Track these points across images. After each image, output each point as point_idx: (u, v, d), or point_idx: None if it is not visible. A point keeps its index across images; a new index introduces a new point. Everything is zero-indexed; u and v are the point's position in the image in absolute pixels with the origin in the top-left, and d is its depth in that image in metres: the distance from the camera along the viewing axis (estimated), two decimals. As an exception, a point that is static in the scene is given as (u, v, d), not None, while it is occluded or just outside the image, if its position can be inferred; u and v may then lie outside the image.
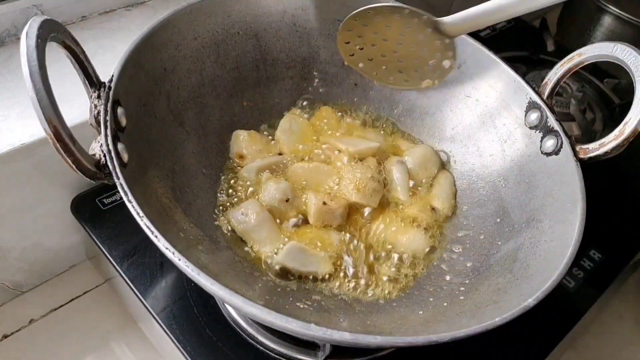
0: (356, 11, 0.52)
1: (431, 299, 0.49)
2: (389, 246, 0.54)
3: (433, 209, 0.57)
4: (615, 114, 0.87)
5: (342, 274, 0.51)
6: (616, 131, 0.47)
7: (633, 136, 0.46)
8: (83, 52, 0.41)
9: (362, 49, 0.55)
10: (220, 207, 0.54)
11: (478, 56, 0.58)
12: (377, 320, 0.47)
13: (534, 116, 0.53)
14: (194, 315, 0.52)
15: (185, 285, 0.54)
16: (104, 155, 0.38)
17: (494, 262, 0.50)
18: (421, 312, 0.47)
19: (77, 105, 0.51)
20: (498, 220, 0.54)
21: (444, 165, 0.61)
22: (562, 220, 0.46)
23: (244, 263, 0.50)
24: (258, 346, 0.51)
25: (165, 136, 0.51)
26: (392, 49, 0.55)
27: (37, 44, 0.34)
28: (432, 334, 0.35)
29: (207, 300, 0.53)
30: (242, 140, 0.58)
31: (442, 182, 0.59)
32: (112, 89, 0.41)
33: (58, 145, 0.35)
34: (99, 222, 0.58)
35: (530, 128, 0.54)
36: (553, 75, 0.54)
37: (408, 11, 0.51)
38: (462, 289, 0.49)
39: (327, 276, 0.50)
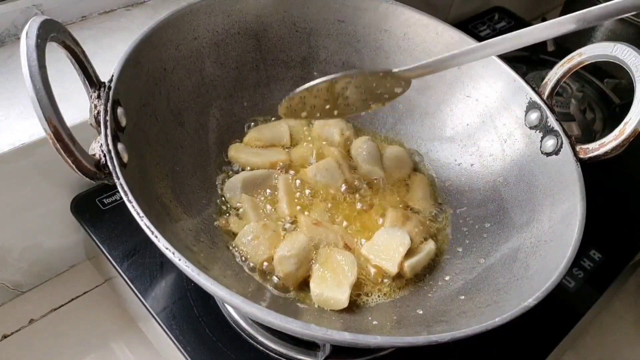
0: (310, 85, 0.49)
1: (431, 299, 0.49)
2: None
3: (410, 209, 0.57)
4: (615, 114, 0.87)
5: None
6: (616, 131, 0.47)
7: (633, 136, 0.46)
8: (83, 52, 0.41)
9: (303, 108, 0.51)
10: (220, 208, 0.54)
11: (478, 56, 0.58)
12: (377, 320, 0.47)
13: (534, 116, 0.53)
14: (194, 315, 0.52)
15: (185, 285, 0.54)
16: (104, 155, 0.38)
17: (494, 262, 0.50)
18: (421, 312, 0.47)
19: (77, 105, 0.51)
20: (498, 220, 0.54)
21: (416, 167, 0.62)
22: (562, 220, 0.46)
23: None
24: (258, 346, 0.51)
25: (165, 136, 0.51)
26: (337, 98, 0.51)
27: (37, 44, 0.34)
28: (432, 334, 0.35)
29: (207, 300, 0.53)
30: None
31: (418, 183, 0.59)
32: (112, 88, 0.41)
33: (58, 145, 0.35)
34: (99, 222, 0.58)
35: (530, 128, 0.54)
36: (553, 75, 0.54)
37: (367, 73, 0.49)
38: (462, 289, 0.49)
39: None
